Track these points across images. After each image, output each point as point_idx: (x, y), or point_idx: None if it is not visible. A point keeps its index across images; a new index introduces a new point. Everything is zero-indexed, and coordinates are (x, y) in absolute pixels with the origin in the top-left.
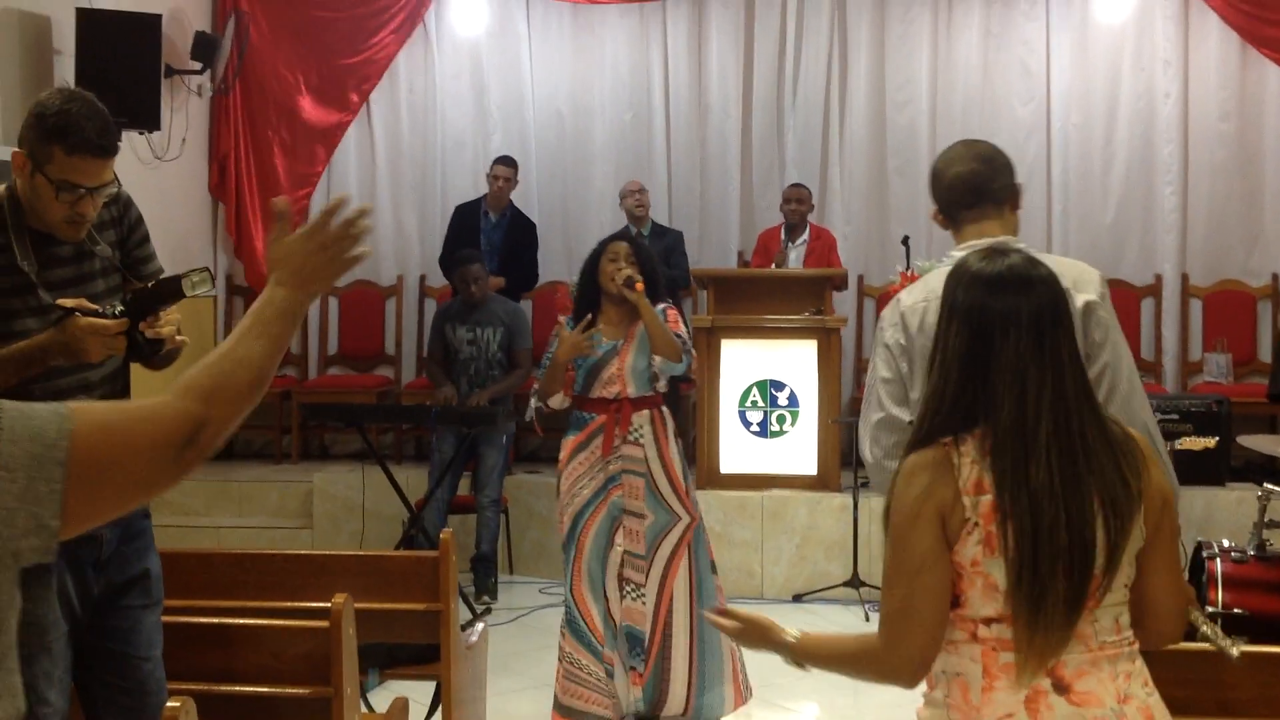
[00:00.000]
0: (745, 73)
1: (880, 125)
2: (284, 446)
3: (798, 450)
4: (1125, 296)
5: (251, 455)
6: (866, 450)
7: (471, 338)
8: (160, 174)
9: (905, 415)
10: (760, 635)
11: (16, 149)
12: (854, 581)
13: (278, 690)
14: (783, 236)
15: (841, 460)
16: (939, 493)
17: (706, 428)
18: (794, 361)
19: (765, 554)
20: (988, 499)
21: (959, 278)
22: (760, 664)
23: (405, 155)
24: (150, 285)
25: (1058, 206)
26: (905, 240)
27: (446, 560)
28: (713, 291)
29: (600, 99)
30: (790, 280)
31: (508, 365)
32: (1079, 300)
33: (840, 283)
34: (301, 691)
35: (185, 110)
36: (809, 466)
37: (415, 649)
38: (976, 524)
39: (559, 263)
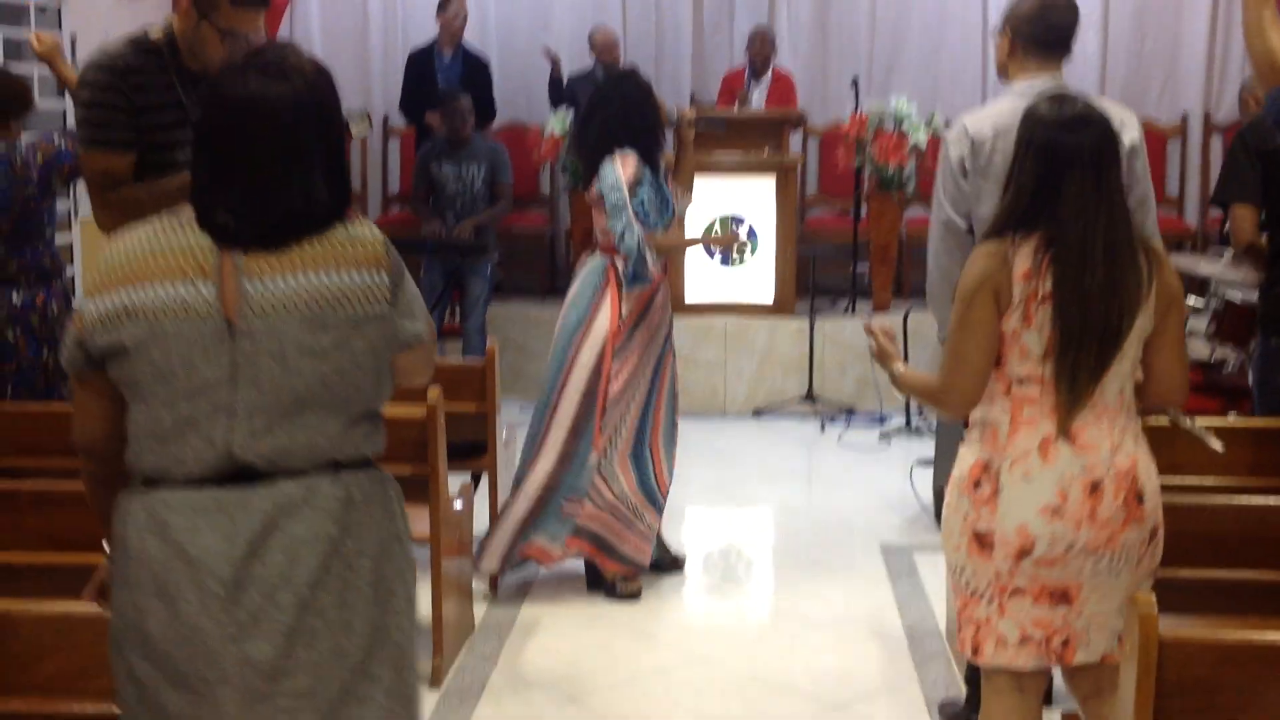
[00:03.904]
0: None
1: None
2: None
3: (757, 279)
4: None
5: None
6: (932, 257)
7: (457, 174)
8: (133, 11)
9: (963, 223)
10: (886, 358)
11: None
12: (809, 397)
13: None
14: (746, 77)
15: (798, 288)
16: (996, 275)
17: (673, 259)
18: (753, 196)
19: (728, 373)
20: (1031, 285)
21: (1033, 120)
22: (729, 472)
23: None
24: None
25: (991, 49)
26: (855, 82)
27: (492, 367)
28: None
29: None
30: (751, 121)
31: (490, 198)
32: (1126, 139)
33: (798, 122)
34: (405, 470)
35: None
36: (767, 294)
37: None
38: (1020, 302)
39: (519, 105)
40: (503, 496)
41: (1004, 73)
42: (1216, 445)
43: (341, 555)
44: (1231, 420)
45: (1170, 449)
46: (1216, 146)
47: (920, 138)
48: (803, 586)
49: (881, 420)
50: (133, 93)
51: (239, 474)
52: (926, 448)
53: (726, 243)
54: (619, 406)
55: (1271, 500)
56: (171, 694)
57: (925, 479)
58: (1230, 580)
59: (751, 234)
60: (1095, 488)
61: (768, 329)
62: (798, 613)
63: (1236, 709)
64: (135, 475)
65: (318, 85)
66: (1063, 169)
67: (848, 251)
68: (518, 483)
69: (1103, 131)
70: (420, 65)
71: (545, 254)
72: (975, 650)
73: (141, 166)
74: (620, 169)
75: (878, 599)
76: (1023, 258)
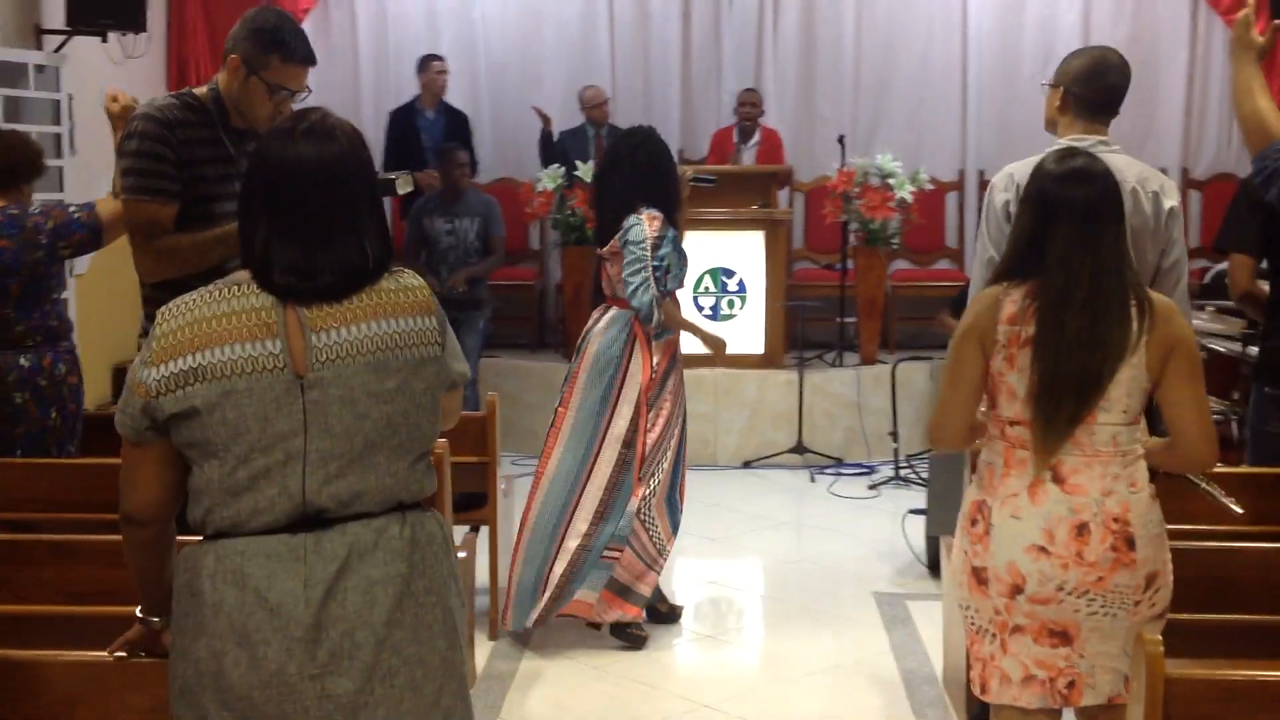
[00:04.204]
0: None
1: (809, 31)
2: None
3: (747, 331)
4: None
5: None
6: (973, 296)
7: (450, 228)
8: (128, 72)
9: None
10: None
11: (232, 55)
12: (799, 449)
13: None
14: (735, 138)
15: (787, 341)
16: (983, 320)
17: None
18: (743, 251)
19: (719, 425)
20: (1015, 329)
21: (1038, 173)
22: (721, 522)
23: (360, 59)
24: None
25: (972, 107)
26: (841, 139)
27: (492, 419)
28: None
29: (547, 3)
30: (740, 176)
31: (484, 252)
32: (1166, 204)
33: (785, 179)
34: None
35: (148, 10)
36: (757, 346)
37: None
38: (1004, 345)
39: (510, 161)
40: (503, 547)
41: (1052, 127)
42: (1236, 509)
43: (412, 594)
44: (1222, 468)
45: (1180, 498)
46: (1195, 201)
47: (905, 193)
48: (799, 635)
49: (870, 471)
50: (180, 145)
51: (310, 519)
52: (916, 498)
53: (714, 349)
54: (656, 454)
55: (1273, 546)
56: None
57: (917, 528)
58: (1232, 623)
59: (741, 288)
60: (1082, 530)
61: (757, 381)
62: (795, 661)
63: None
64: (201, 530)
65: (358, 144)
66: (1053, 220)
67: (835, 305)
68: (555, 537)
69: (1103, 189)
70: (402, 123)
71: (535, 308)
72: (983, 688)
73: (185, 218)
74: (648, 227)
75: (873, 646)
76: (1010, 303)
